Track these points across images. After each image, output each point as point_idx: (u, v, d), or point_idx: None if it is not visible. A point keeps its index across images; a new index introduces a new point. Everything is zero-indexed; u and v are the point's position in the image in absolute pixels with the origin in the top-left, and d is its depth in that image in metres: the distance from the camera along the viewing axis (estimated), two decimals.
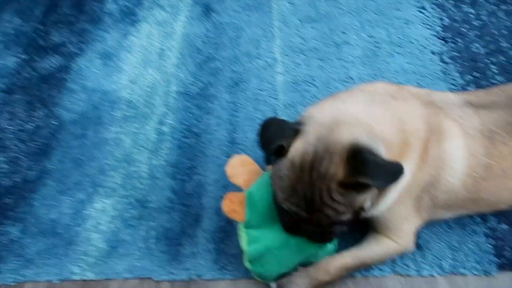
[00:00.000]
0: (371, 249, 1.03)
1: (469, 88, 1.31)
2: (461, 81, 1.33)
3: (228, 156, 1.30)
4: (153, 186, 1.29)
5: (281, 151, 0.85)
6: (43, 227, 1.25)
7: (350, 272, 1.05)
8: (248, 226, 1.02)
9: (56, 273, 1.17)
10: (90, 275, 1.16)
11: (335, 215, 0.85)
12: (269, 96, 1.42)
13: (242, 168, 1.08)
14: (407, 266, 1.07)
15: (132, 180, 1.31)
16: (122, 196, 1.28)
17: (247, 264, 1.03)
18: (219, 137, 1.35)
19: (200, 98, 1.45)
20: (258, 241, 1.00)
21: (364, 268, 1.06)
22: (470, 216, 1.10)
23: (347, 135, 0.82)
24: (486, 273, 1.03)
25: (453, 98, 1.00)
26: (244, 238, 1.02)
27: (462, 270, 1.04)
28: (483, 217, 1.10)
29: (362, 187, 0.82)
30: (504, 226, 1.08)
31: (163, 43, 1.63)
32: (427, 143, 0.91)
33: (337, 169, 0.81)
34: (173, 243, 1.18)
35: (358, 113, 0.86)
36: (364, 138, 0.82)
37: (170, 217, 1.22)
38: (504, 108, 0.97)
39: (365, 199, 0.86)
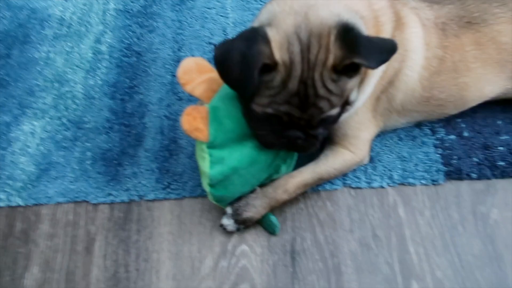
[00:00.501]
0: (329, 162, 0.99)
1: None
2: None
3: (174, 75, 1.21)
4: (89, 107, 1.17)
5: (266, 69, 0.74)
6: None
7: (308, 189, 1.01)
8: (212, 145, 0.87)
9: None
10: (17, 201, 1.05)
11: (329, 108, 0.78)
12: (218, 14, 1.31)
13: (199, 75, 0.88)
14: (358, 178, 1.05)
15: (65, 101, 1.18)
16: (54, 118, 1.16)
17: (206, 188, 0.92)
18: (163, 56, 1.24)
19: (142, 16, 1.33)
20: (224, 162, 0.87)
21: (323, 182, 1.03)
22: (420, 128, 1.09)
23: (328, 15, 0.74)
24: (434, 182, 1.03)
25: None
26: (206, 159, 0.88)
27: (411, 180, 1.04)
28: (432, 129, 1.09)
29: (353, 71, 0.75)
30: (452, 137, 1.08)
31: None
32: (394, 29, 0.87)
33: (327, 54, 0.73)
34: (112, 164, 1.08)
35: None
36: (346, 15, 0.75)
37: (108, 138, 1.12)
38: (455, 2, 0.95)
39: (354, 85, 0.80)
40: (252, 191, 0.97)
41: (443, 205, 1.02)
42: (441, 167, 1.04)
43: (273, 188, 0.97)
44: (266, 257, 0.98)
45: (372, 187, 1.04)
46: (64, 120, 1.15)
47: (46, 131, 1.13)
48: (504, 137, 1.06)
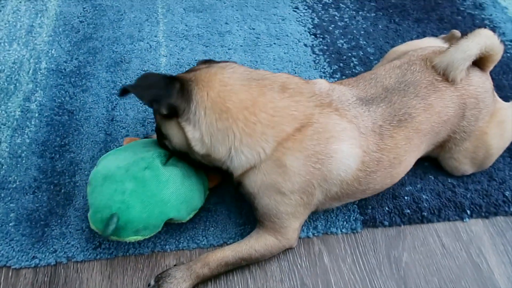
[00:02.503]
0: (251, 243, 1.02)
1: (336, 75, 1.47)
2: (329, 70, 1.48)
3: (107, 133, 1.23)
4: (15, 166, 1.14)
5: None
6: None
7: (231, 267, 1.03)
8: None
9: None
10: None
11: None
12: None
13: None
14: None
15: None
16: None
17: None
18: (97, 115, 1.27)
19: (75, 76, 1.35)
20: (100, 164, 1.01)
21: (245, 263, 1.04)
22: None
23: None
24: (353, 230, 1.14)
25: (348, 95, 1.02)
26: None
27: (333, 229, 1.13)
28: None
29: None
30: None
31: (34, 20, 1.49)
32: (290, 137, 0.93)
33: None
34: (39, 224, 1.05)
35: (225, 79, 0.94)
36: (187, 77, 0.95)
37: (35, 198, 1.08)
38: (384, 100, 1.03)
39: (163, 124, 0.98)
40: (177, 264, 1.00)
41: (362, 251, 1.12)
42: (358, 216, 1.16)
43: (194, 261, 1.00)
44: None
45: (299, 237, 1.12)
46: None
47: None
48: (408, 188, 1.22)
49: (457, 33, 1.42)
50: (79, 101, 1.29)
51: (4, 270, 0.99)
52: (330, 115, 0.96)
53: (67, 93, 1.30)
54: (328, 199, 1.04)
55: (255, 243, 1.02)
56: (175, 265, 1.00)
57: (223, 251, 1.01)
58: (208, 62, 1.05)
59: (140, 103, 1.31)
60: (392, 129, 1.01)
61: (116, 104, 1.30)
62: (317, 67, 1.49)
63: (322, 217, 1.15)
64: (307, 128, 0.94)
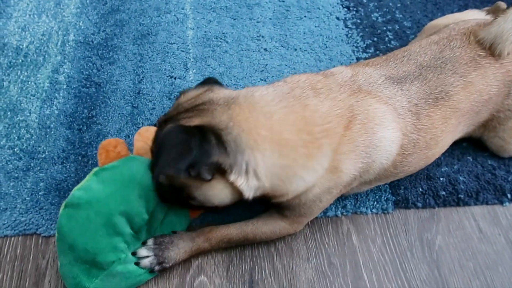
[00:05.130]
0: (259, 224, 0.98)
1: (369, 50, 1.40)
2: (362, 44, 1.41)
3: (133, 106, 1.22)
4: (44, 136, 1.14)
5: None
6: None
7: (232, 245, 1.00)
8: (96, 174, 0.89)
9: None
10: None
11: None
12: (179, 50, 1.36)
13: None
14: None
15: (19, 130, 1.15)
16: (5, 147, 1.12)
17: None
18: (123, 87, 1.25)
19: (103, 48, 1.34)
20: (90, 190, 0.87)
21: (248, 243, 1.01)
22: None
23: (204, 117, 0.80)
24: (384, 210, 1.09)
25: (375, 75, 0.95)
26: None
27: (363, 209, 1.09)
28: None
29: None
30: None
31: None
32: (343, 139, 0.85)
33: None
34: (67, 194, 1.05)
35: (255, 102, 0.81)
36: (220, 124, 0.78)
37: (63, 168, 1.09)
38: (418, 78, 0.96)
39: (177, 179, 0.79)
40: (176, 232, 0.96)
41: (392, 232, 1.07)
42: (390, 196, 1.11)
43: (196, 233, 0.97)
44: (224, 287, 0.98)
45: (327, 216, 1.08)
46: (17, 150, 1.11)
47: None
48: (444, 169, 1.15)
49: (502, 4, 1.32)
50: (106, 73, 1.28)
51: (34, 238, 1.01)
52: (367, 100, 0.89)
53: (94, 65, 1.30)
54: (359, 185, 1.00)
55: (263, 225, 0.98)
56: (174, 232, 0.96)
57: (228, 228, 0.98)
58: (199, 88, 0.91)
59: (167, 76, 1.29)
60: (428, 108, 0.95)
61: (142, 77, 1.29)
62: (349, 41, 1.42)
63: (351, 196, 1.11)
64: (353, 122, 0.86)
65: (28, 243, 1.00)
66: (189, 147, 0.73)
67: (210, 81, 0.93)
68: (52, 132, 1.15)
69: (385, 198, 1.10)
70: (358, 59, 1.38)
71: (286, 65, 1.34)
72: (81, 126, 1.17)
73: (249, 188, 0.80)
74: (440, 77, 0.96)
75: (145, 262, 0.90)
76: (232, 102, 0.81)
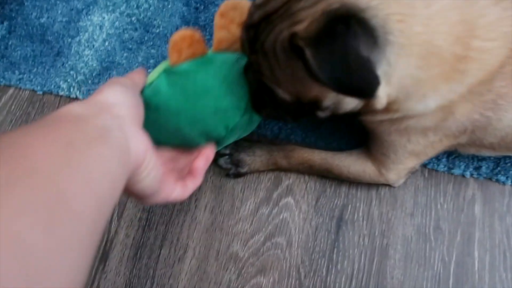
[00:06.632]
0: (346, 161, 0.84)
1: None
2: None
3: None
4: (161, 9, 1.07)
5: None
6: (31, 31, 1.08)
7: (313, 172, 0.90)
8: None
9: (40, 83, 1.04)
10: (76, 93, 1.03)
11: (270, 76, 0.61)
12: None
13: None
14: (438, 159, 0.89)
15: None
16: (124, 14, 1.08)
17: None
18: None
19: None
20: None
21: (332, 176, 0.89)
22: None
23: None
24: None
25: None
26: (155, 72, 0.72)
27: (501, 178, 0.87)
28: None
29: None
30: None
31: None
32: (493, 74, 0.61)
33: (305, 19, 0.53)
34: None
35: None
36: (368, 11, 0.51)
37: None
38: None
39: (310, 88, 0.60)
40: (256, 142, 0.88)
41: None
42: None
43: (277, 147, 0.89)
44: (310, 216, 0.90)
45: (452, 173, 0.89)
46: (134, 19, 1.07)
47: (114, 27, 1.07)
48: None
49: None
50: None
51: None
52: None
53: None
54: (476, 146, 0.77)
55: (352, 164, 0.85)
56: (258, 141, 0.92)
57: (312, 153, 0.87)
58: None
59: None
60: None
61: None
62: None
63: (491, 158, 0.88)
64: None
65: None
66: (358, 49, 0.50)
67: None
68: (170, 6, 1.07)
69: None
70: None
71: None
72: (198, 5, 1.06)
73: (384, 95, 0.60)
74: None
75: (221, 161, 0.91)
76: None
